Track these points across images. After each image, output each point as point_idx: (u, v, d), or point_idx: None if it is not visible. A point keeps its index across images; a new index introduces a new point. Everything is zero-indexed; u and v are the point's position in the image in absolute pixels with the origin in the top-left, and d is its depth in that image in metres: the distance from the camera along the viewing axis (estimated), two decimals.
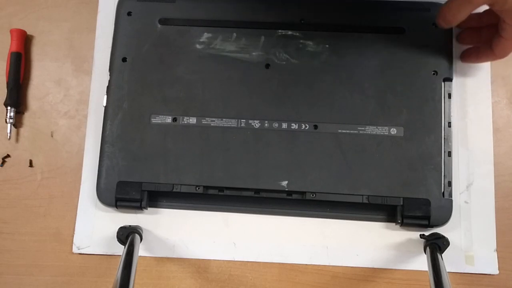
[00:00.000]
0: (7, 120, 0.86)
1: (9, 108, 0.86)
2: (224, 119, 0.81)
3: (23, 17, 0.91)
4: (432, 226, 0.79)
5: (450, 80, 0.82)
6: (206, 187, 0.80)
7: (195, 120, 0.81)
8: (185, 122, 0.81)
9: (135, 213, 0.83)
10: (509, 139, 0.84)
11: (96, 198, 0.81)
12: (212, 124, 0.81)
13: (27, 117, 0.88)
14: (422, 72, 0.82)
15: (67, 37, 0.90)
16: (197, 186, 0.79)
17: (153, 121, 0.81)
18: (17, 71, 0.87)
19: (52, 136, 0.87)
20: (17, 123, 0.87)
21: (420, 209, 0.77)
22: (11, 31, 0.88)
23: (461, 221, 0.81)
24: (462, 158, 0.83)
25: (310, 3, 0.85)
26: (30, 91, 0.89)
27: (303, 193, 0.79)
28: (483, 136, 0.84)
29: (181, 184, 0.80)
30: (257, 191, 0.80)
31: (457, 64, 0.85)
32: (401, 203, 0.78)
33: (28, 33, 0.90)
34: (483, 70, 0.86)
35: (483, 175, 0.83)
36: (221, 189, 0.80)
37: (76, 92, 0.88)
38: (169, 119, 0.81)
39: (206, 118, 0.81)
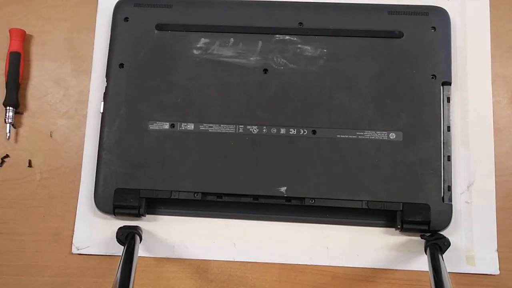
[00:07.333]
0: (6, 120, 0.86)
1: (8, 108, 0.86)
2: (222, 125, 0.81)
3: (23, 17, 0.91)
4: (432, 231, 0.78)
5: (449, 84, 0.81)
6: (205, 194, 0.80)
7: (193, 126, 0.81)
8: (183, 128, 0.81)
9: (133, 220, 0.83)
10: (510, 138, 0.84)
11: None
12: (210, 130, 0.81)
13: (26, 117, 0.88)
14: (421, 76, 0.81)
15: (66, 37, 0.90)
16: (195, 192, 0.79)
17: (150, 128, 0.81)
18: (16, 71, 0.87)
19: (51, 136, 0.87)
20: (16, 123, 0.87)
21: (420, 214, 0.77)
22: (10, 30, 0.88)
23: (462, 221, 0.81)
24: (463, 158, 0.83)
25: (307, 8, 0.85)
26: (29, 91, 0.89)
27: (302, 199, 0.79)
28: (484, 136, 0.84)
29: (179, 191, 0.80)
30: (256, 197, 0.80)
31: (458, 64, 0.85)
32: (401, 208, 0.78)
33: (27, 32, 0.90)
34: (484, 70, 0.86)
35: (484, 175, 0.83)
36: (219, 195, 0.80)
37: (76, 92, 0.88)
38: (166, 125, 0.81)
39: (204, 124, 0.81)
